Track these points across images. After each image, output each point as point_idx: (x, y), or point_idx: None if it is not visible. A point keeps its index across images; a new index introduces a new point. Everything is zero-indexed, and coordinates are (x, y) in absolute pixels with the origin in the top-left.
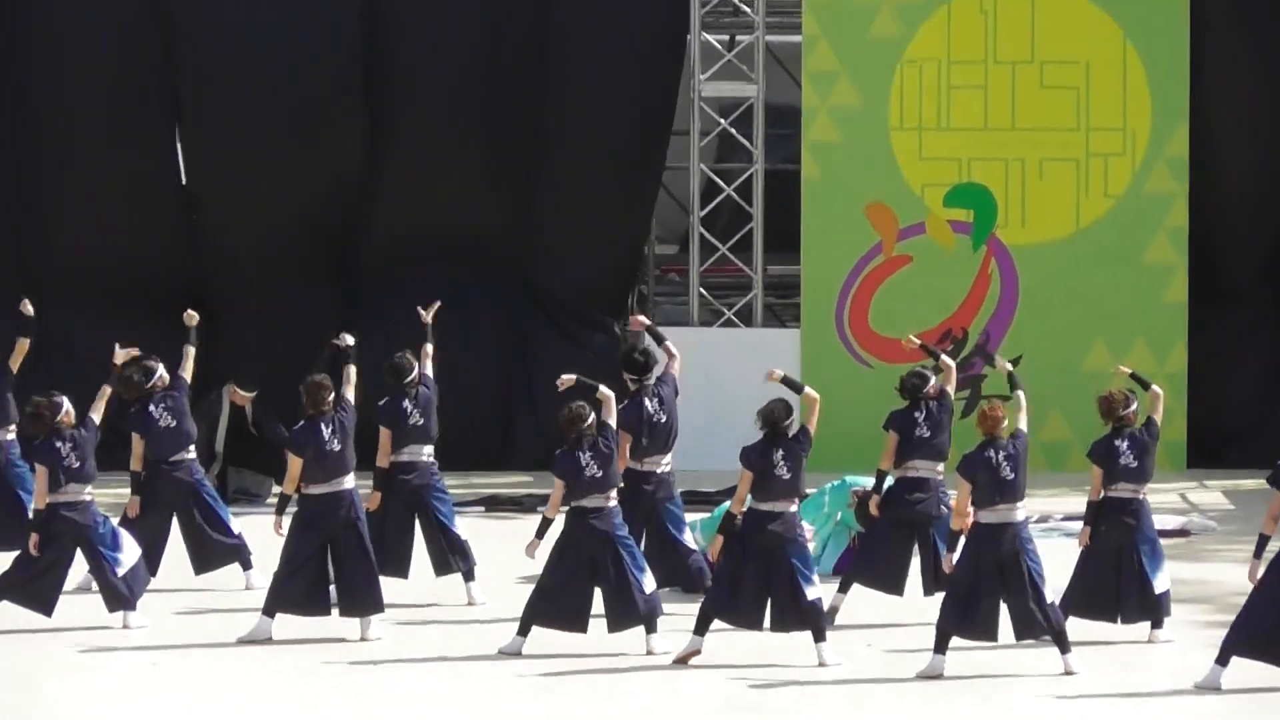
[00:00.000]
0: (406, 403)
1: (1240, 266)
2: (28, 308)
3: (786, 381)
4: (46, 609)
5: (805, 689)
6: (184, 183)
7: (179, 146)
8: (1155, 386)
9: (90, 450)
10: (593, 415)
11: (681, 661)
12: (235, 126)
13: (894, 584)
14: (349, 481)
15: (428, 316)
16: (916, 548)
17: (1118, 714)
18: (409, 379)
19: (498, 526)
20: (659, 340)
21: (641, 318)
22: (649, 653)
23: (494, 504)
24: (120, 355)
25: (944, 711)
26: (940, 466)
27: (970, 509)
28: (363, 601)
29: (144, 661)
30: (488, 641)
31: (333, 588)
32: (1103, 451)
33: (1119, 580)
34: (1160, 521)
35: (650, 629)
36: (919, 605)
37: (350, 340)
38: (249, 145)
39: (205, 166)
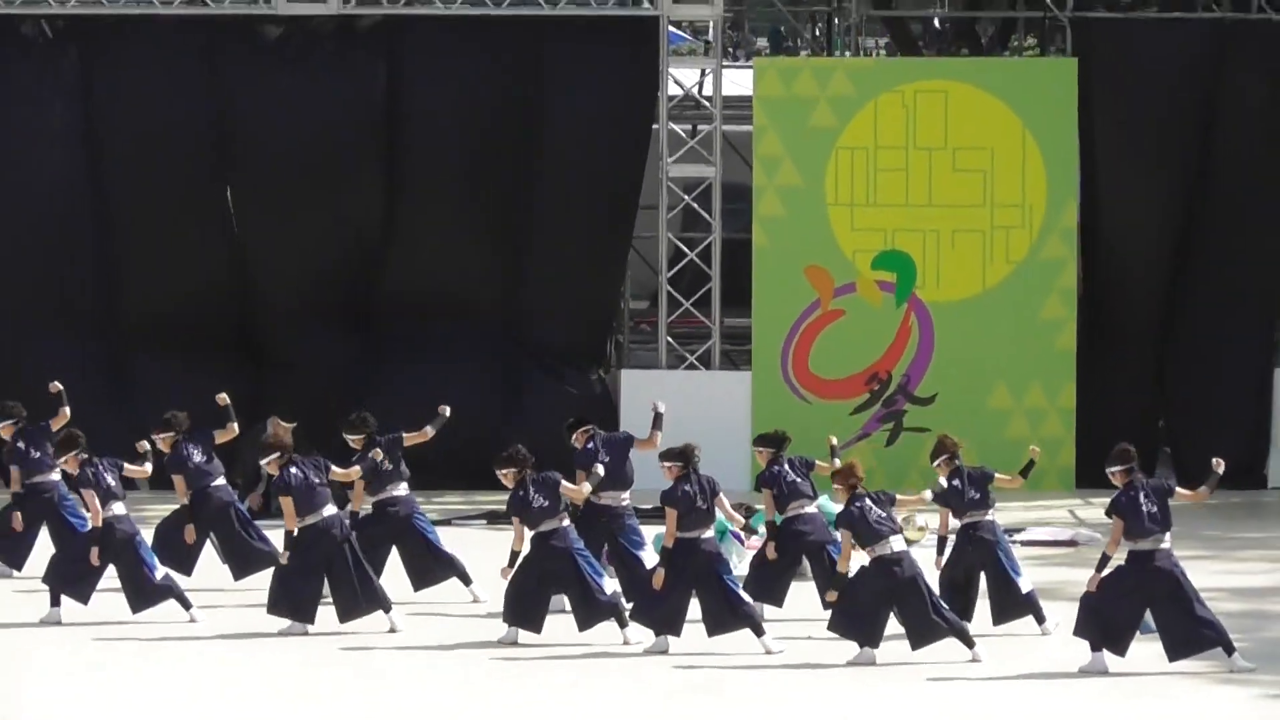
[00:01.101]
0: (373, 453)
1: (1126, 317)
2: (57, 386)
3: (659, 417)
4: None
5: (752, 672)
6: (235, 233)
7: (230, 203)
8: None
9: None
10: (530, 457)
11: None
12: (275, 186)
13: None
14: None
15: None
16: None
17: (1020, 693)
18: (367, 434)
19: (498, 536)
20: (657, 424)
21: (660, 406)
22: (625, 643)
23: (494, 517)
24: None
25: (878, 690)
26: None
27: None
28: (371, 600)
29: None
30: (483, 633)
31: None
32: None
33: (990, 588)
34: (1052, 534)
35: (621, 623)
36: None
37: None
38: (286, 203)
39: (251, 221)
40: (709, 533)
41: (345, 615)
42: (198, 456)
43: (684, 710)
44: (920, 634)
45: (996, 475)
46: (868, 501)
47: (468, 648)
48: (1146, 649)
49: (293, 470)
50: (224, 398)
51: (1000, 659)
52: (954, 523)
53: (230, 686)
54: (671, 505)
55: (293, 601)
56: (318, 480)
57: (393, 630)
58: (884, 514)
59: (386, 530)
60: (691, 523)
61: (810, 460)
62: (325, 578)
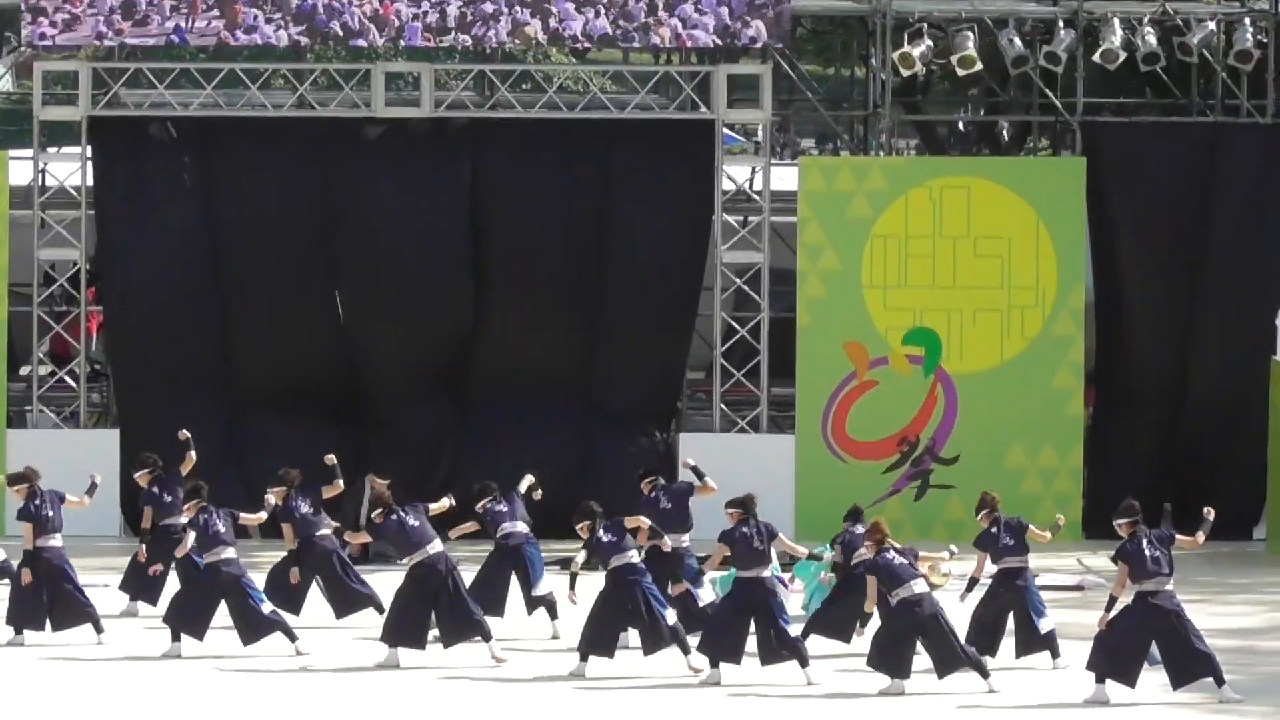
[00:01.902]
0: (398, 516)
1: (1134, 386)
2: (185, 434)
3: (695, 470)
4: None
5: (796, 701)
6: (340, 312)
7: (338, 295)
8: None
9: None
10: (599, 510)
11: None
12: (375, 272)
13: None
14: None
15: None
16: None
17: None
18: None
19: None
20: (700, 477)
21: (689, 461)
22: (691, 669)
23: (567, 564)
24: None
25: (909, 712)
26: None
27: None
28: (469, 628)
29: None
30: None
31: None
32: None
33: (1016, 626)
34: (1061, 579)
35: (684, 650)
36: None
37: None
38: (386, 287)
39: (355, 302)
40: (766, 572)
41: (450, 641)
42: (305, 508)
43: None
44: (946, 663)
45: (1031, 527)
46: (892, 552)
47: (546, 680)
48: (1146, 679)
49: (391, 517)
50: (331, 458)
51: (1018, 690)
52: (990, 567)
53: (337, 706)
54: (726, 543)
55: (406, 630)
56: (416, 522)
57: (496, 661)
58: (906, 562)
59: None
60: (749, 562)
61: (774, 529)
62: (433, 609)
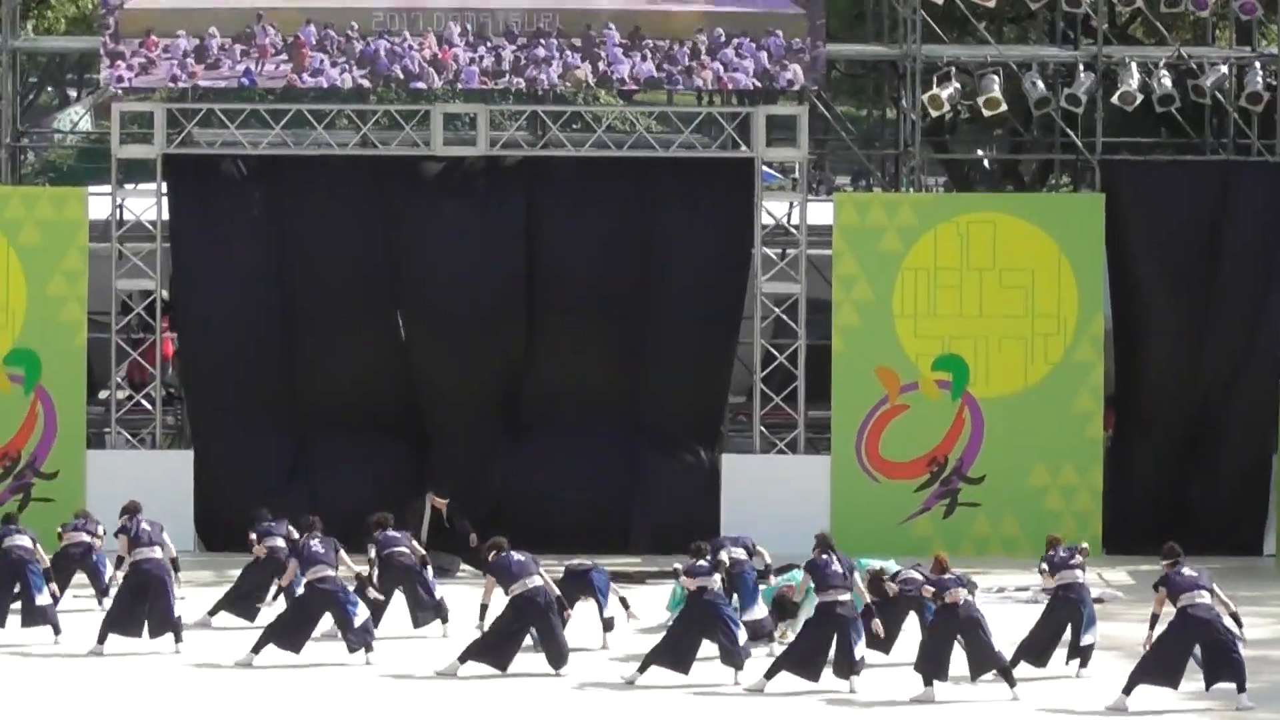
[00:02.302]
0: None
1: (1151, 410)
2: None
3: None
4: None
5: (839, 707)
6: (402, 340)
7: (399, 315)
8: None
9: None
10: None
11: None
12: (435, 301)
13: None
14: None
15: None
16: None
17: None
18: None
19: (622, 594)
20: None
21: None
22: (735, 683)
23: (618, 577)
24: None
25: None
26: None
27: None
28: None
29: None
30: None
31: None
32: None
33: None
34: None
35: (740, 669)
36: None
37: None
38: (445, 316)
39: (416, 330)
40: (845, 596)
41: (556, 664)
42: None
43: None
44: (980, 663)
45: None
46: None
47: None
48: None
49: (503, 555)
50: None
51: (1047, 696)
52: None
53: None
54: (808, 571)
55: (489, 651)
56: (521, 558)
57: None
58: (956, 575)
59: None
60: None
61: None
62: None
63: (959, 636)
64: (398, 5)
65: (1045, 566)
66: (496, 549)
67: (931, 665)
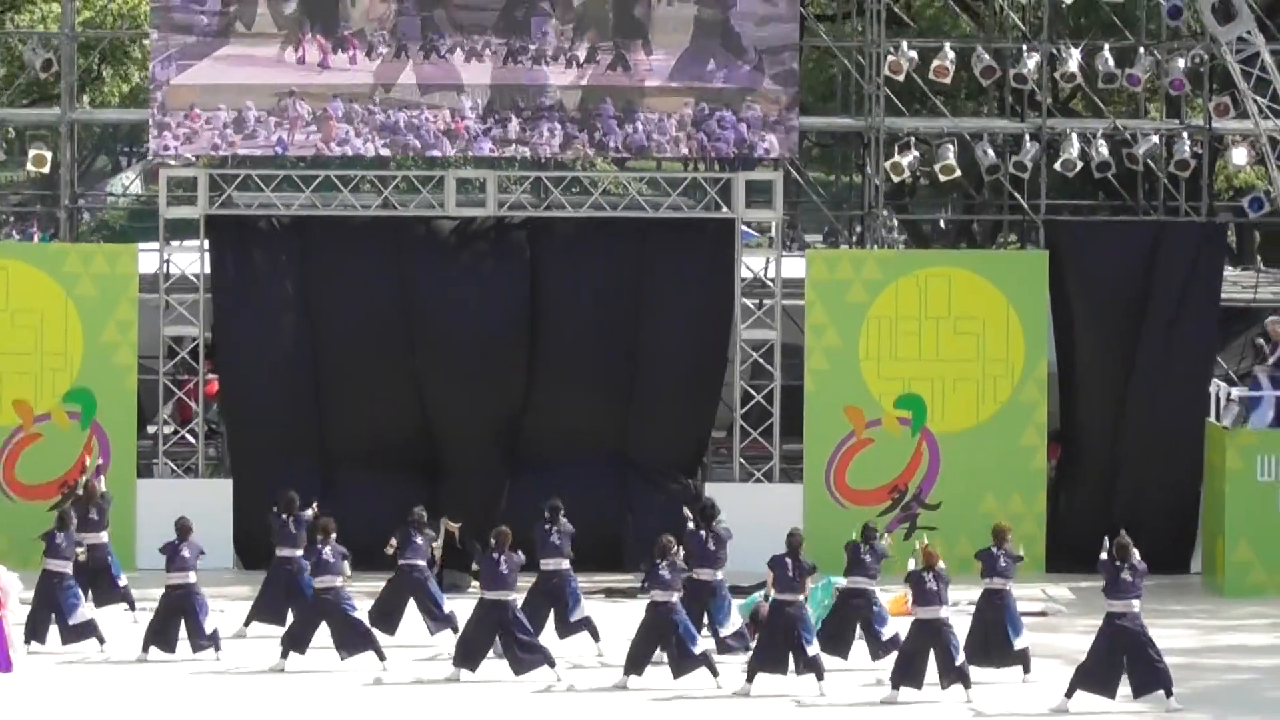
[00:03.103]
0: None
1: (1086, 444)
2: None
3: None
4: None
5: (812, 712)
6: (419, 382)
7: (415, 358)
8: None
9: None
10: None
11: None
12: (447, 348)
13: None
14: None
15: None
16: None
17: None
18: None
19: (613, 607)
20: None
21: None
22: (717, 688)
23: (610, 593)
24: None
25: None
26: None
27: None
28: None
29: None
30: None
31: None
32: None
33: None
34: (1026, 606)
35: (714, 673)
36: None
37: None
38: (455, 361)
39: (430, 374)
40: (794, 597)
41: (518, 670)
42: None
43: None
44: (947, 672)
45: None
46: (930, 576)
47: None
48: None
49: (493, 556)
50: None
51: (999, 700)
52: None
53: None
54: (770, 567)
55: (471, 655)
56: (505, 570)
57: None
58: (936, 589)
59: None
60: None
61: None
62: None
63: (933, 648)
64: (415, 82)
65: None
66: (499, 540)
67: (906, 676)
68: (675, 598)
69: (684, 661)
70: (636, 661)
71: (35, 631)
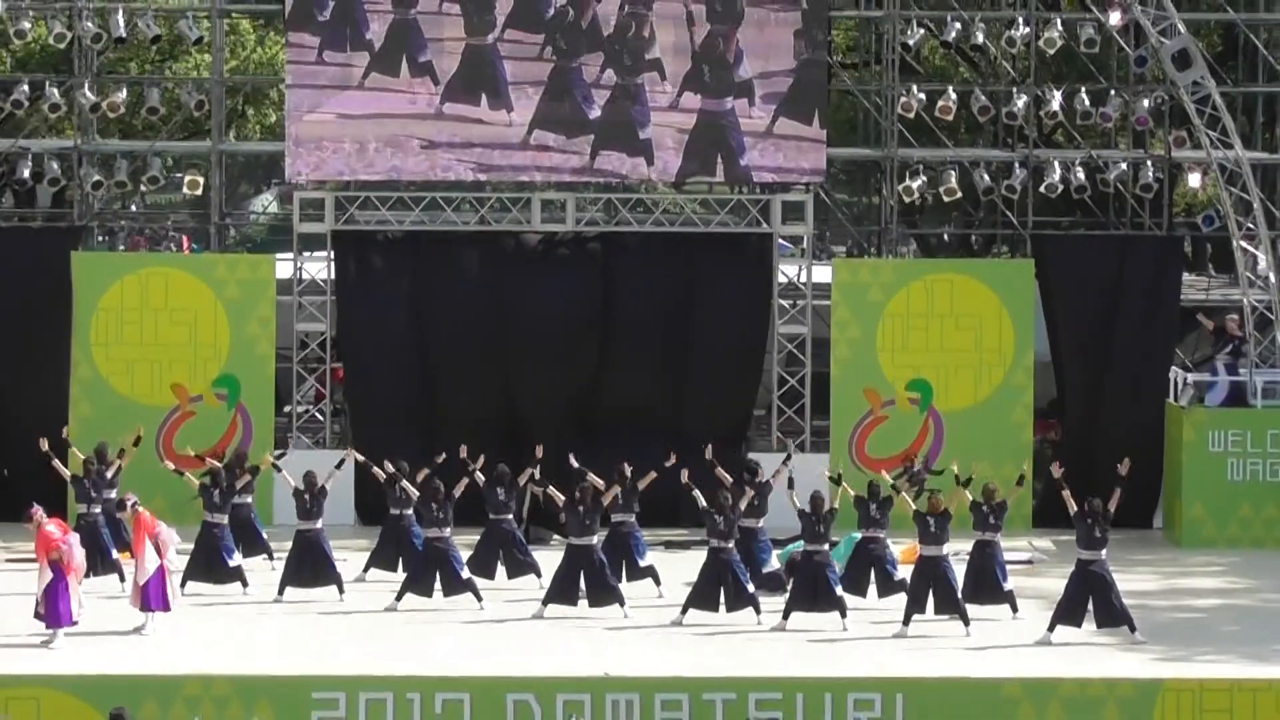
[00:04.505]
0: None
1: (1068, 420)
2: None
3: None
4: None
5: (837, 644)
6: (510, 370)
7: (507, 351)
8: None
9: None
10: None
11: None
12: (535, 343)
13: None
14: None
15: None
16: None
17: (998, 656)
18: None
19: (671, 557)
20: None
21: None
22: (758, 623)
23: (670, 544)
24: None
25: (895, 652)
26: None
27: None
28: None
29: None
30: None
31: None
32: None
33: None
34: (1014, 555)
35: (758, 610)
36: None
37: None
38: (542, 354)
39: (520, 364)
40: (819, 546)
41: (594, 604)
42: (501, 496)
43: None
44: (946, 606)
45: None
46: (929, 520)
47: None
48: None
49: (575, 509)
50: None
51: (992, 634)
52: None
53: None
54: (800, 518)
55: (563, 593)
56: (589, 521)
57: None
58: (938, 531)
59: None
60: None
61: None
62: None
63: (932, 584)
64: (509, 121)
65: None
66: (584, 495)
67: (913, 606)
68: (731, 544)
69: (738, 599)
70: (696, 599)
71: (194, 573)
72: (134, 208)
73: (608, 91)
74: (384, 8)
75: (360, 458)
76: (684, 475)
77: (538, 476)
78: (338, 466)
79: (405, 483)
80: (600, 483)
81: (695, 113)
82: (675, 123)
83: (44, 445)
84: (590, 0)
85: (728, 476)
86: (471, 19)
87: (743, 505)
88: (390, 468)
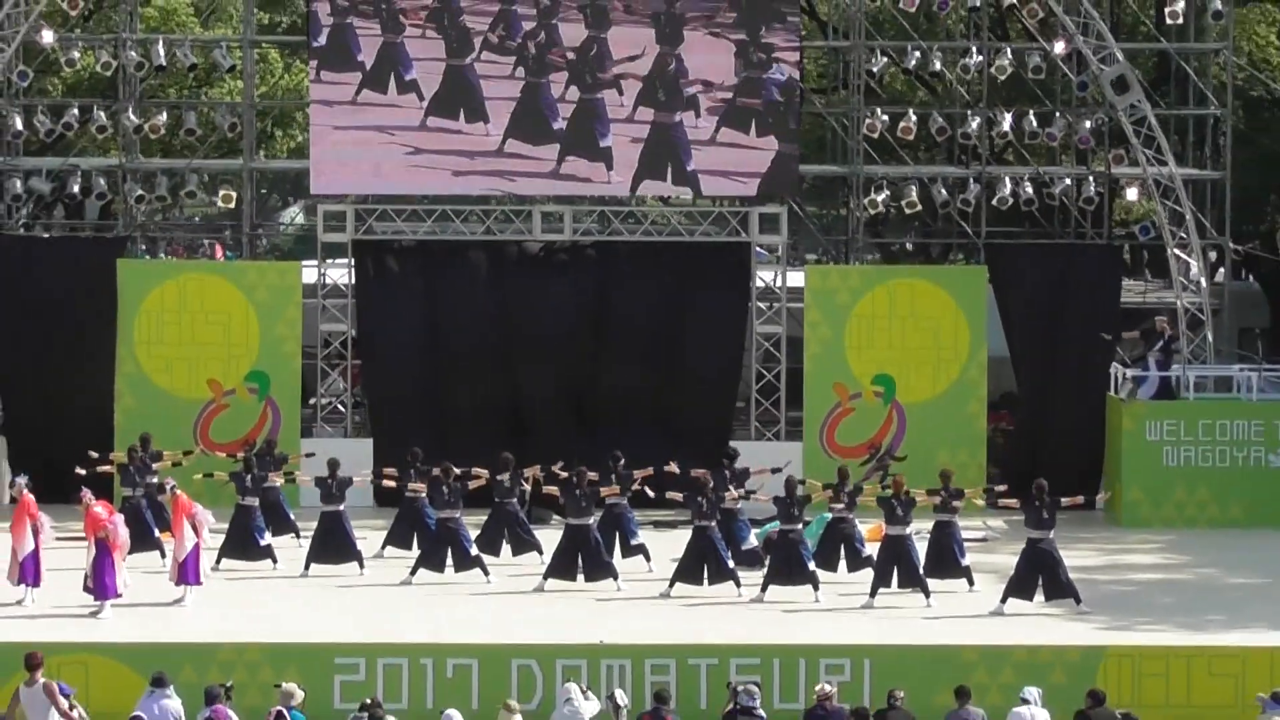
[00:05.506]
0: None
1: (1025, 412)
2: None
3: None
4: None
5: (810, 614)
6: (515, 368)
7: (510, 351)
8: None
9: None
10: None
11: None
12: (537, 344)
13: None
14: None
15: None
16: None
17: (957, 625)
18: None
19: (659, 535)
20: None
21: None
22: (739, 595)
23: (658, 525)
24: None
25: (863, 621)
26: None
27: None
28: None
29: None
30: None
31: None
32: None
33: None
34: (970, 534)
35: (738, 584)
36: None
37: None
38: (543, 353)
39: (523, 362)
40: (794, 526)
41: (591, 578)
42: (505, 482)
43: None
44: (909, 581)
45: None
46: (896, 502)
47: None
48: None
49: (575, 492)
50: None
51: (951, 605)
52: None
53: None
54: (775, 502)
55: (562, 569)
56: (584, 504)
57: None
58: (902, 513)
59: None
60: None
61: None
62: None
63: (896, 560)
64: (485, 133)
65: (938, 500)
66: (580, 478)
67: (878, 582)
68: (713, 524)
69: (720, 574)
70: (682, 574)
71: (229, 551)
72: (177, 218)
73: (572, 105)
74: (375, 32)
75: (391, 483)
76: (672, 465)
77: (541, 477)
78: (371, 480)
79: (415, 483)
80: (594, 477)
81: (649, 124)
82: (631, 133)
83: (93, 455)
84: (556, 25)
85: (704, 472)
86: (451, 43)
87: (729, 496)
88: (420, 486)
